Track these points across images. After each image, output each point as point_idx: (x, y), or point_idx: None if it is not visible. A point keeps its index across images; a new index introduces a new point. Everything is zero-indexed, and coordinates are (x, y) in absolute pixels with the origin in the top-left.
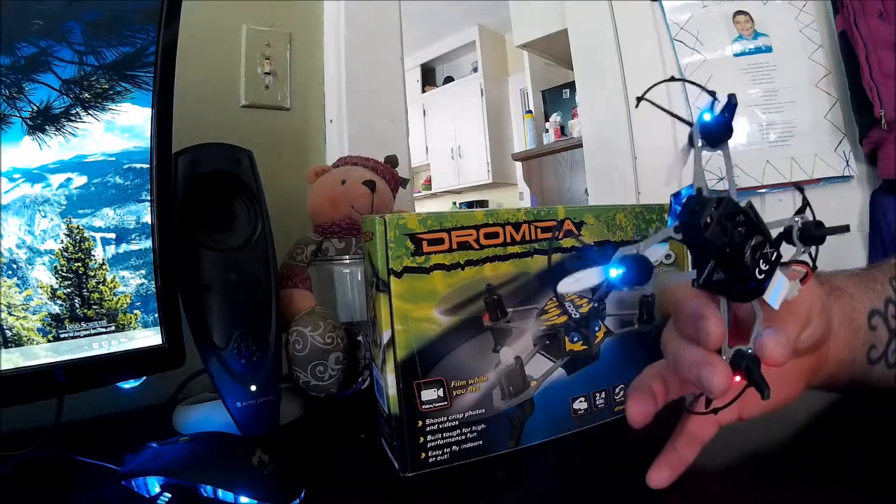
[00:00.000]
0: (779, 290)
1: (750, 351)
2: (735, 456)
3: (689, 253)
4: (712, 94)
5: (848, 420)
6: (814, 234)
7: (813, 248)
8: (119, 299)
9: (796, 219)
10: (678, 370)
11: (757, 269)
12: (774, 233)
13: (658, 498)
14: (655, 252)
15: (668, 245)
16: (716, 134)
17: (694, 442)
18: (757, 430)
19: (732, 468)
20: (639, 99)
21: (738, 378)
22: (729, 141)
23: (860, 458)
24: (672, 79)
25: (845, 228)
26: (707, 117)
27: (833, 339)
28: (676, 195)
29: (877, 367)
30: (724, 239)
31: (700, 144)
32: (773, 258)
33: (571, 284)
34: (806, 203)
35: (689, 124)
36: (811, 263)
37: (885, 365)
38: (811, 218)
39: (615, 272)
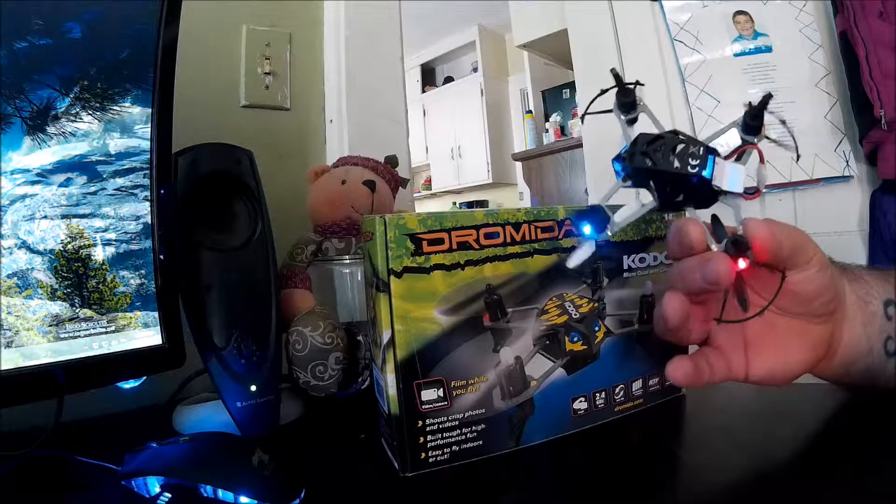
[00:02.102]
0: (734, 176)
1: (738, 234)
2: (737, 458)
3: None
4: (636, 83)
5: (854, 419)
6: (750, 122)
7: (790, 141)
8: (119, 299)
9: (735, 121)
10: (684, 284)
11: (689, 166)
12: (729, 140)
13: (658, 498)
14: (626, 211)
15: (638, 202)
16: (627, 103)
17: (709, 366)
18: (761, 433)
19: (737, 471)
20: (583, 116)
21: (741, 264)
22: (644, 104)
23: (865, 457)
24: (602, 91)
25: (767, 97)
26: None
27: (849, 319)
28: (617, 157)
29: (893, 361)
30: (648, 162)
31: (623, 117)
32: (700, 153)
33: (576, 260)
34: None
35: (610, 111)
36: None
37: None
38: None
39: (587, 229)
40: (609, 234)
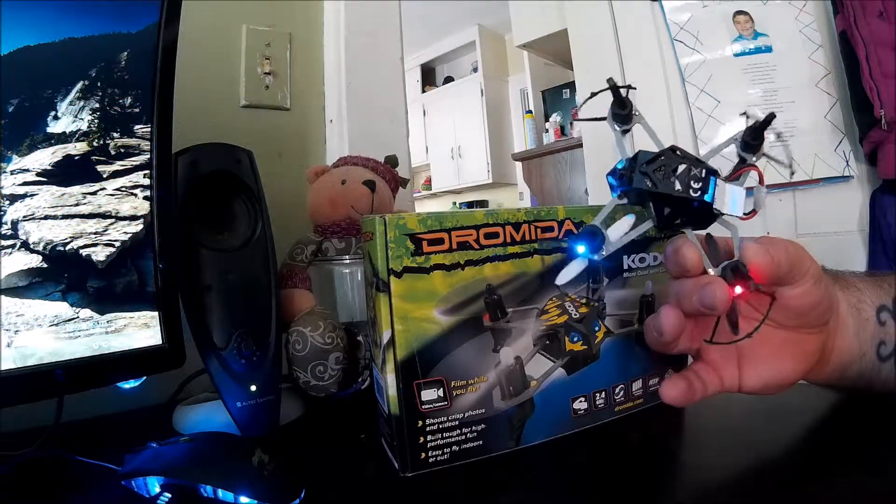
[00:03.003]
0: (735, 199)
1: (736, 259)
2: (737, 458)
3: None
4: (629, 87)
5: (854, 419)
6: (751, 141)
7: (784, 158)
8: (119, 299)
9: (734, 137)
10: (680, 304)
11: (690, 190)
12: (728, 157)
13: (658, 498)
14: (620, 227)
15: (633, 216)
16: (622, 115)
17: (702, 383)
18: (761, 433)
19: (737, 471)
20: (572, 121)
21: (738, 290)
22: (640, 114)
23: (865, 457)
24: (592, 95)
25: (771, 116)
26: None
27: (841, 327)
28: (612, 172)
29: (886, 365)
30: (648, 183)
31: (618, 128)
32: (702, 175)
33: (565, 276)
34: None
35: (603, 119)
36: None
37: (895, 364)
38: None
39: (581, 248)
40: (604, 254)
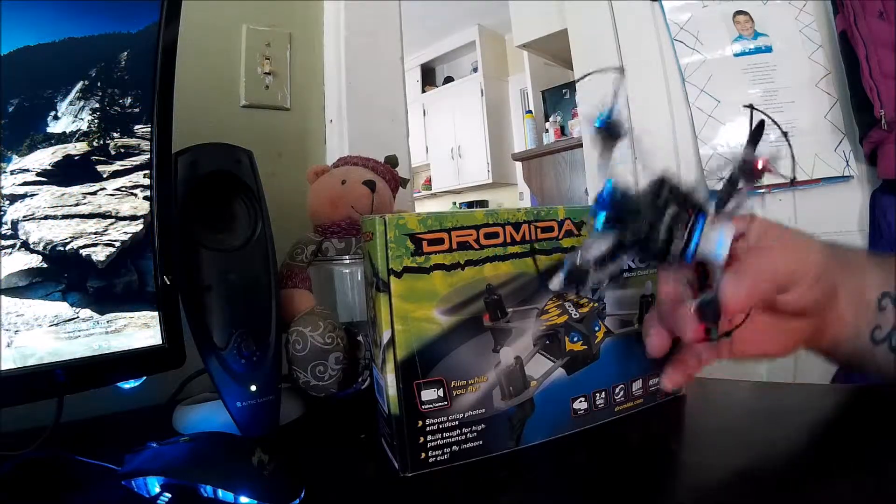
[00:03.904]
0: (721, 241)
1: (712, 296)
2: (737, 457)
3: None
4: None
5: (854, 419)
6: (744, 168)
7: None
8: (119, 299)
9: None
10: (663, 322)
11: (672, 245)
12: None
13: (658, 498)
14: (594, 249)
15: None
16: (613, 130)
17: (696, 358)
18: (761, 433)
19: (737, 471)
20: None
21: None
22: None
23: (865, 457)
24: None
25: (761, 125)
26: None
27: (839, 311)
28: (598, 203)
29: (880, 349)
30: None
31: (603, 147)
32: (689, 220)
33: (559, 283)
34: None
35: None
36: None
37: (888, 348)
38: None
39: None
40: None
